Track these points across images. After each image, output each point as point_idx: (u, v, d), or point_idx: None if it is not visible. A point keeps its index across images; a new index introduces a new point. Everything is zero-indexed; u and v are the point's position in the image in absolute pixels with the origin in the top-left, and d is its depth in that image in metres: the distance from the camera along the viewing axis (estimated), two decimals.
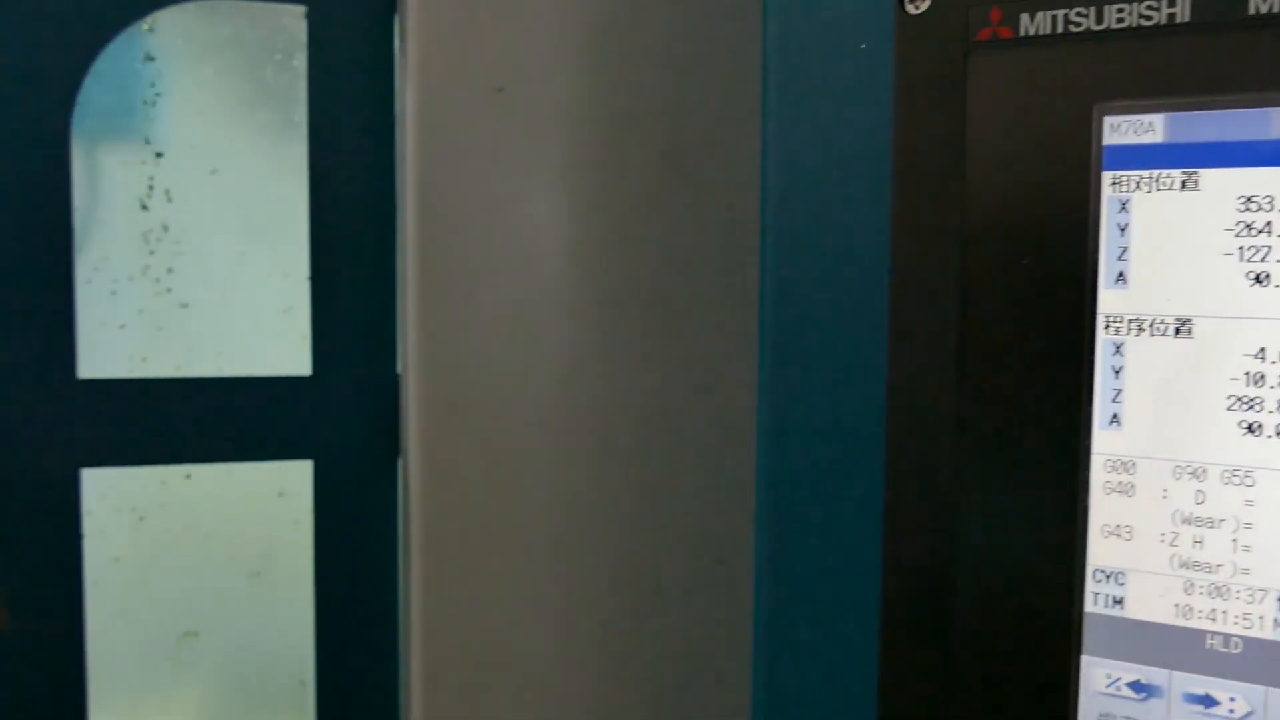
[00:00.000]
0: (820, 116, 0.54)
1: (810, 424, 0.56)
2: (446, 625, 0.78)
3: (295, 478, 0.84)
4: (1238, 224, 0.44)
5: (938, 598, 0.51)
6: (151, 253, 0.80)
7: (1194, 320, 0.45)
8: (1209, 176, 0.45)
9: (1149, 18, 0.45)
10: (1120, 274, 0.46)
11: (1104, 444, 0.47)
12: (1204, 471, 0.45)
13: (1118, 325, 0.47)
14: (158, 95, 0.80)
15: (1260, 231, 0.43)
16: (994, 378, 0.49)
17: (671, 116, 0.79)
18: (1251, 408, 0.44)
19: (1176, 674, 0.47)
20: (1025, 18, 0.48)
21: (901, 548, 0.52)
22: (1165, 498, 0.46)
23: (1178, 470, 0.46)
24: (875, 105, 0.52)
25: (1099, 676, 0.48)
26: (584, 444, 0.79)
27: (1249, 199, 0.44)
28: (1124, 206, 0.46)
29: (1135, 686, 0.48)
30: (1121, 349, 0.47)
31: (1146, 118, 0.46)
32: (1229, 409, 0.45)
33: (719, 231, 0.81)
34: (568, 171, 0.78)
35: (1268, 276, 0.43)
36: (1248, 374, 0.44)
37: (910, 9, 0.50)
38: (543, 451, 0.79)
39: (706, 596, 0.83)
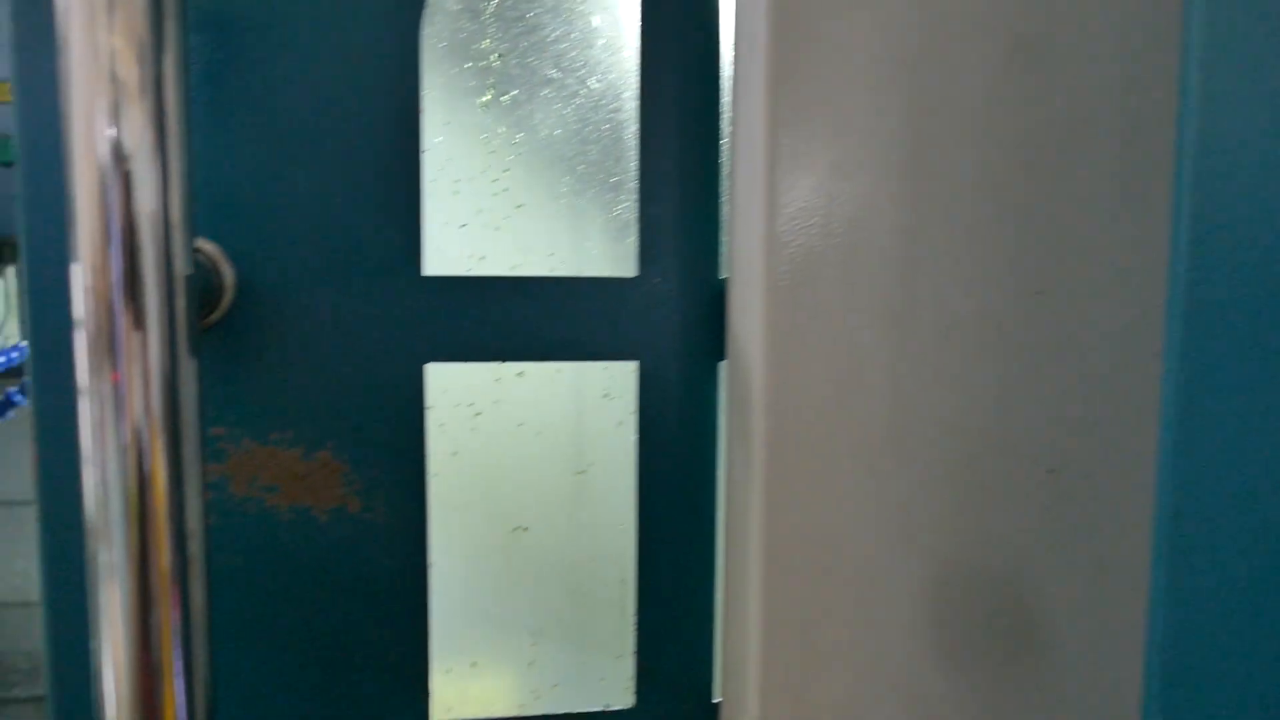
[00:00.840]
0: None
1: (1236, 359, 0.52)
2: (786, 523, 0.77)
3: (620, 379, 0.85)
4: None
5: None
6: (490, 153, 0.82)
7: None
8: None
9: None
10: None
11: None
12: None
13: None
14: None
15: None
16: None
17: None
18: None
19: None
20: None
21: None
22: None
23: None
24: None
25: None
26: (923, 344, 0.77)
27: None
28: None
29: None
30: None
31: None
32: None
33: (1068, 124, 0.77)
34: (913, 61, 0.75)
35: None
36: None
37: None
38: (881, 349, 0.77)
39: (1037, 505, 0.80)
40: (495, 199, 0.83)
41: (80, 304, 0.60)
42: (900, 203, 0.77)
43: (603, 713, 0.87)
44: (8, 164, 2.11)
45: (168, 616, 0.64)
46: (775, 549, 0.78)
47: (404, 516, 0.82)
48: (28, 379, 2.20)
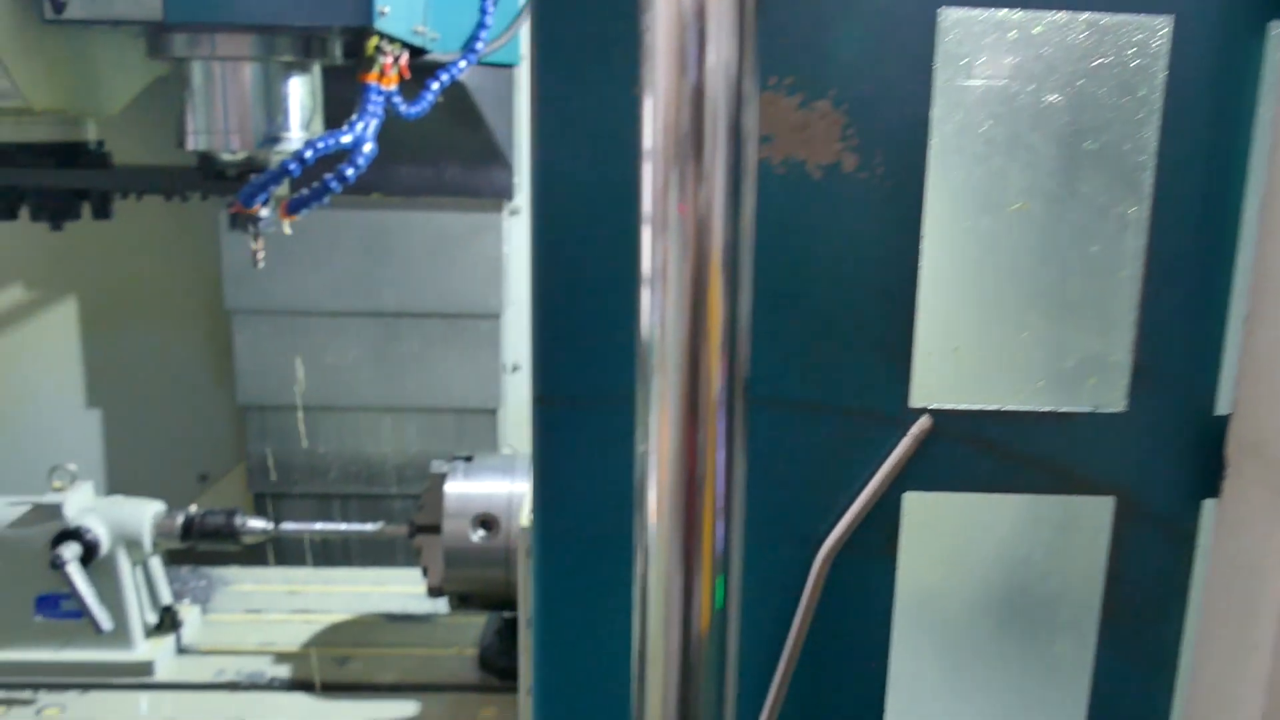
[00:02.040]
0: None
1: None
2: None
3: (1144, 39, 0.75)
4: None
5: None
6: None
7: None
8: None
9: None
10: None
11: None
12: None
13: None
14: None
15: None
16: None
17: None
18: None
19: None
20: None
21: None
22: None
23: None
24: None
25: None
26: None
27: None
28: None
29: None
30: None
31: None
32: None
33: None
34: None
35: None
36: None
37: None
38: None
39: None
40: None
41: (650, 136, 0.59)
42: None
43: (1090, 414, 0.79)
44: None
45: (713, 436, 0.62)
46: None
47: (900, 181, 0.76)
48: (345, 166, 2.22)
